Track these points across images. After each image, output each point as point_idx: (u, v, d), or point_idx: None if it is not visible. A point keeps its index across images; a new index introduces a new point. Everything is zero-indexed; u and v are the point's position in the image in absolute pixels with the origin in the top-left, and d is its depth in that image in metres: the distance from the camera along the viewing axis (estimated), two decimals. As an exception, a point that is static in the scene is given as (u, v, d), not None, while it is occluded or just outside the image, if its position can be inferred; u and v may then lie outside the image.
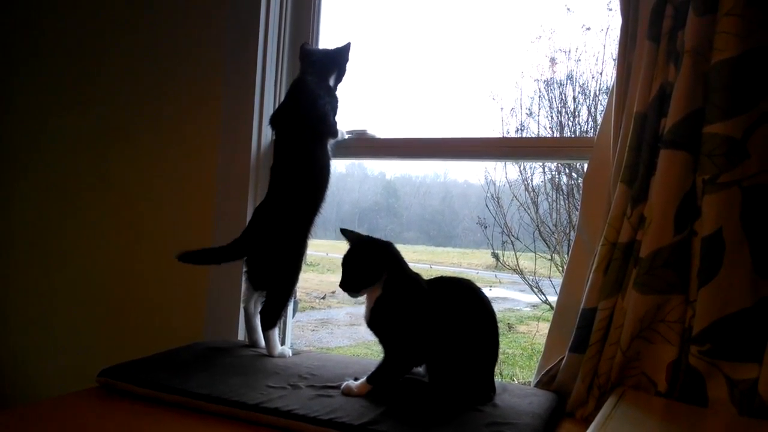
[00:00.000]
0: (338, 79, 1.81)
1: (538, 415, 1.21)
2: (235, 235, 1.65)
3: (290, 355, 1.60)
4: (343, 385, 1.31)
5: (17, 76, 2.39)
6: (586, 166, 1.55)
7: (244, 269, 1.67)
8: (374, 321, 1.36)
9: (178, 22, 2.09)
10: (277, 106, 1.97)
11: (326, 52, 1.81)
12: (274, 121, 1.76)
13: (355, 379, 1.32)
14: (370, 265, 1.35)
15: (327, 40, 2.03)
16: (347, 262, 1.36)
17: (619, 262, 1.31)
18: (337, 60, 1.80)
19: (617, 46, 1.42)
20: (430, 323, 1.31)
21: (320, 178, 1.67)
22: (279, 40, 1.98)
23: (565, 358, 1.38)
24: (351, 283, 1.35)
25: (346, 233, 1.40)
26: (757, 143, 1.20)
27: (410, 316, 1.31)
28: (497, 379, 1.35)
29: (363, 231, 1.42)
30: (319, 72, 1.76)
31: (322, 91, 1.73)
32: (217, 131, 1.96)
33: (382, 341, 1.36)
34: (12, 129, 2.39)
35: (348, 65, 1.81)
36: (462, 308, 1.32)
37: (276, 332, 1.61)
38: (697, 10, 1.23)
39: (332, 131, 1.73)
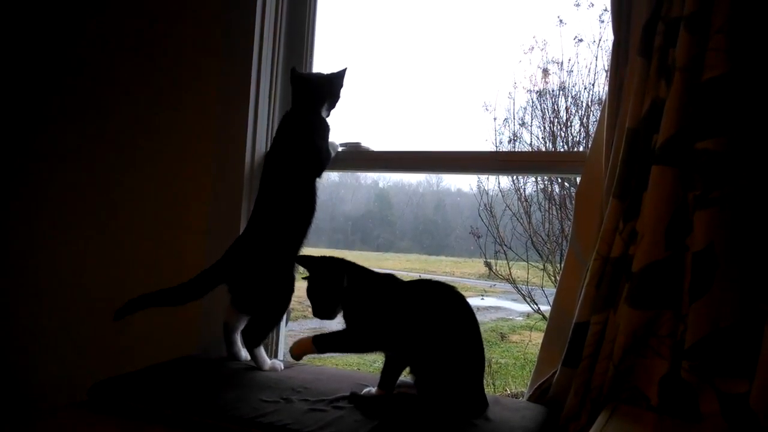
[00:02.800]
0: (331, 107, 1.77)
1: (531, 430, 1.22)
2: (228, 244, 1.64)
3: (282, 368, 1.59)
4: (364, 392, 1.36)
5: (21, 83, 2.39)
6: (578, 178, 1.56)
7: (229, 295, 1.64)
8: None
9: (176, 35, 2.09)
10: (270, 131, 1.99)
11: (320, 78, 1.76)
12: (267, 158, 1.74)
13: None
14: (331, 284, 1.36)
15: (321, 51, 2.04)
16: (311, 293, 1.37)
17: (611, 277, 1.32)
18: (330, 87, 1.75)
19: (609, 62, 1.43)
20: (395, 314, 1.31)
21: (307, 211, 1.64)
22: (273, 54, 1.98)
23: (557, 372, 1.39)
24: (324, 311, 1.37)
25: (300, 261, 1.43)
26: (748, 160, 1.21)
27: (368, 303, 1.34)
28: (489, 390, 1.35)
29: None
30: (311, 100, 1.72)
31: (315, 123, 1.70)
32: (211, 142, 1.97)
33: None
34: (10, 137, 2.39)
35: (342, 91, 1.77)
36: (441, 311, 1.30)
37: (261, 348, 1.59)
38: (688, 27, 1.25)
39: (321, 169, 1.69)
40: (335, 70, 1.77)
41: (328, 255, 1.43)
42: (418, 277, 1.44)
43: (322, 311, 1.36)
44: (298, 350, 1.34)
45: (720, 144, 1.21)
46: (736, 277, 1.21)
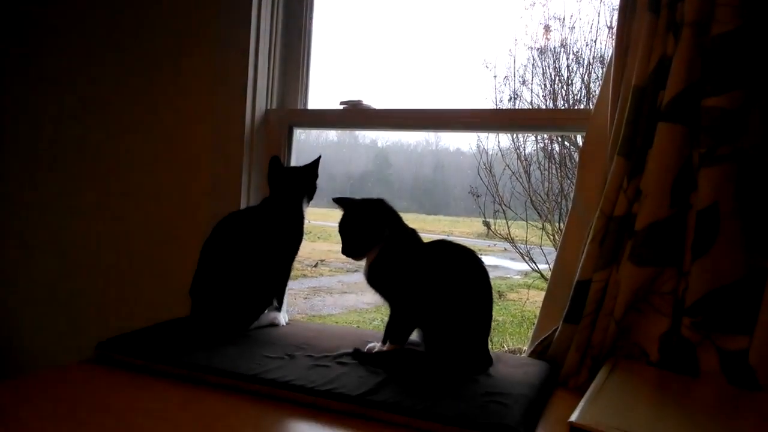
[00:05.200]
0: (310, 199, 1.68)
1: (533, 385, 1.23)
2: (230, 205, 1.63)
3: (285, 323, 1.62)
4: (367, 347, 1.37)
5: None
6: (580, 137, 1.55)
7: None
8: (374, 277, 1.40)
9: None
10: (270, 89, 1.98)
11: (296, 171, 1.68)
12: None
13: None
14: (371, 226, 1.38)
15: (321, 4, 2.00)
16: (345, 227, 1.40)
17: (614, 235, 1.32)
18: (307, 179, 1.67)
19: (616, 17, 1.41)
20: (427, 278, 1.33)
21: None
22: (272, 9, 1.95)
23: (558, 329, 1.40)
24: (353, 248, 1.38)
25: (339, 201, 1.43)
26: (755, 117, 1.20)
27: (409, 269, 1.35)
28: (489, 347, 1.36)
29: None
30: (290, 194, 1.63)
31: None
32: (211, 101, 1.96)
33: (384, 297, 1.40)
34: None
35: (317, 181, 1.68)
36: (460, 273, 1.33)
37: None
38: (698, -19, 1.22)
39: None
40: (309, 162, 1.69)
41: (368, 198, 1.44)
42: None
43: (351, 250, 1.39)
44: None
45: (727, 101, 1.20)
46: (739, 234, 1.21)
